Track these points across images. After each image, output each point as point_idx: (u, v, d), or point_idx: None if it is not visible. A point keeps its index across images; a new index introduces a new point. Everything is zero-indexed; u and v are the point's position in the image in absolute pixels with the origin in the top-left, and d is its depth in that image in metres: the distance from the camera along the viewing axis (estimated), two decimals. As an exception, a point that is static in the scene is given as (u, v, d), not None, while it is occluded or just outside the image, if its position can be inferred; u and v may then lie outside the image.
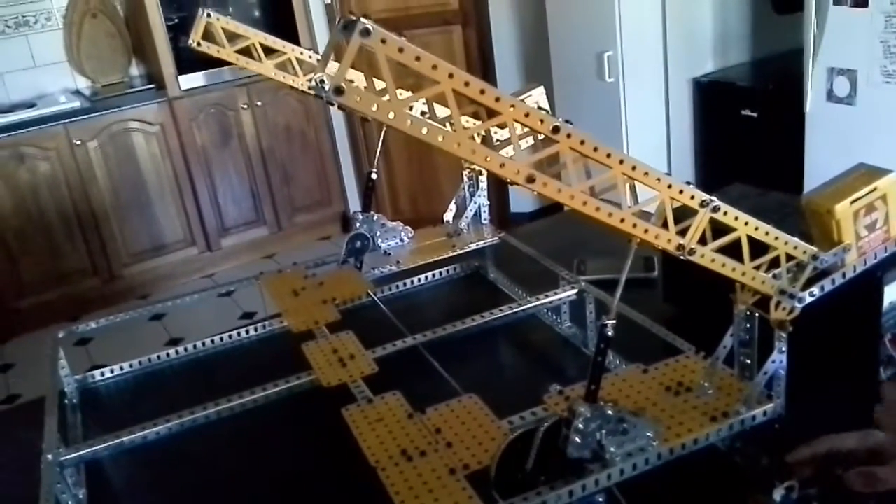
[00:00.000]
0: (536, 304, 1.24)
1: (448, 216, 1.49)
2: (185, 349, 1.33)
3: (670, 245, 0.75)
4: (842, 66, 2.43)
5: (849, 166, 2.53)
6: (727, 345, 0.90)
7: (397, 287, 1.42)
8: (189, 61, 3.86)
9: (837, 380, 1.02)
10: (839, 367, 1.03)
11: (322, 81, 0.59)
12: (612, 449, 0.81)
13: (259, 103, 4.17)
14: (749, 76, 3.24)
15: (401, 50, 0.59)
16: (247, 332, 1.34)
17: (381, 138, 1.36)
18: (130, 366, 1.32)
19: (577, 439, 0.79)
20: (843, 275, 0.84)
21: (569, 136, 0.68)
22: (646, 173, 0.71)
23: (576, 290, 1.23)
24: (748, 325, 0.88)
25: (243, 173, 4.29)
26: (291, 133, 4.36)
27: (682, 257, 0.76)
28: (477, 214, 1.49)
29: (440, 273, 1.48)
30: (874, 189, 0.81)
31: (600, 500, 0.88)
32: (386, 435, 0.90)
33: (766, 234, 0.78)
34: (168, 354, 1.32)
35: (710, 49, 3.31)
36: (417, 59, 0.60)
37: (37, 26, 3.98)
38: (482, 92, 0.63)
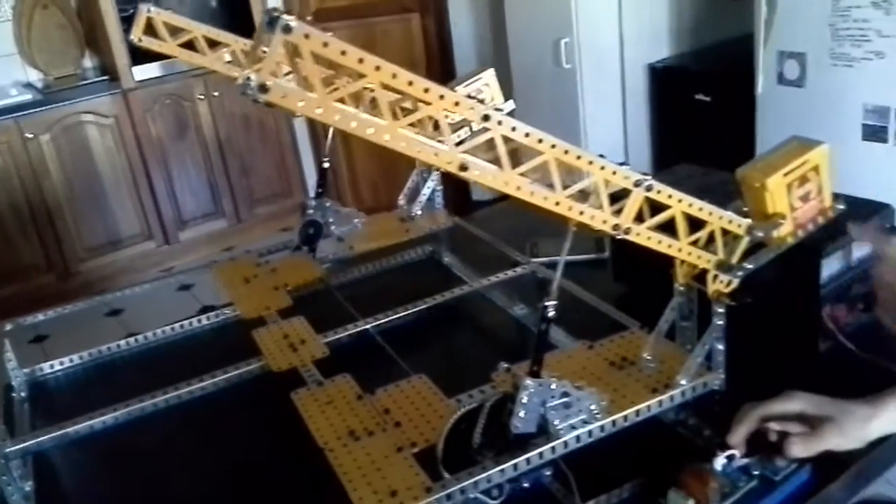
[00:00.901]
0: (485, 284, 1.25)
1: (402, 201, 1.50)
2: (136, 340, 1.31)
3: (606, 225, 0.76)
4: (792, 49, 2.48)
5: None
6: (668, 319, 0.92)
7: (352, 273, 1.42)
8: (143, 52, 3.79)
9: (780, 352, 1.05)
10: (781, 339, 1.06)
11: (248, 79, 0.59)
12: (556, 422, 0.83)
13: (216, 94, 4.12)
14: (703, 61, 3.29)
15: (325, 45, 0.59)
16: (199, 321, 1.33)
17: (332, 127, 1.36)
18: (80, 357, 1.30)
19: (522, 414, 0.81)
20: (779, 246, 0.86)
21: (500, 123, 0.68)
22: (578, 157, 0.73)
23: (525, 271, 1.24)
24: (688, 299, 0.90)
25: (201, 165, 4.24)
26: (250, 123, 4.31)
27: (618, 237, 0.77)
28: (431, 199, 1.49)
29: (395, 258, 1.48)
30: (805, 161, 0.83)
31: (548, 473, 0.90)
32: (335, 417, 0.91)
33: (700, 210, 0.79)
34: (119, 346, 1.31)
35: (666, 35, 3.35)
36: (343, 53, 0.60)
37: (-15, 18, 3.89)
38: (410, 83, 0.63)
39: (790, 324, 1.05)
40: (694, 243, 0.83)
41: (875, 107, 2.34)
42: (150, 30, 1.23)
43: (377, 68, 0.62)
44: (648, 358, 0.92)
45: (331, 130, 1.39)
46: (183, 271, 1.43)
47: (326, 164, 1.39)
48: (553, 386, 0.82)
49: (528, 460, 0.81)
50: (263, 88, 0.58)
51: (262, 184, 4.44)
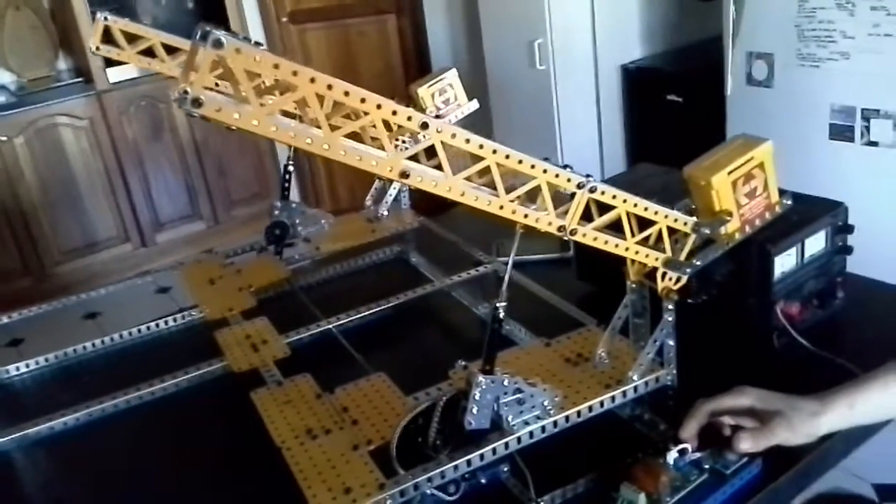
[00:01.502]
0: (447, 283, 1.26)
1: (369, 202, 1.51)
2: (104, 341, 1.31)
3: (551, 227, 0.77)
4: (760, 49, 2.51)
5: None
6: (621, 316, 0.94)
7: (318, 274, 1.43)
8: (117, 54, 3.78)
9: (735, 348, 1.07)
10: (737, 336, 1.08)
11: (185, 93, 0.59)
12: (509, 418, 0.84)
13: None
14: (675, 62, 3.31)
15: (256, 59, 0.60)
16: (166, 322, 1.33)
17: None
18: (46, 360, 1.30)
19: (474, 410, 0.82)
20: (727, 243, 0.88)
21: (439, 130, 0.69)
22: (520, 161, 0.74)
23: (487, 270, 1.25)
24: (640, 297, 0.92)
25: (177, 167, 4.22)
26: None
27: (564, 237, 0.79)
28: (397, 200, 1.50)
29: (362, 259, 1.49)
30: (750, 158, 0.85)
31: (505, 469, 0.91)
32: (293, 416, 0.92)
33: (646, 209, 0.81)
34: (86, 347, 1.31)
35: (638, 37, 3.38)
36: (276, 66, 0.61)
37: (-43, 20, 3.85)
38: (346, 94, 0.64)
39: (745, 320, 1.07)
40: (643, 242, 0.85)
41: (842, 107, 2.38)
42: (108, 38, 1.23)
43: (312, 80, 0.62)
44: (603, 355, 0.94)
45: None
46: (150, 272, 1.42)
47: (291, 167, 1.40)
48: (505, 382, 0.83)
49: (481, 455, 0.82)
50: (197, 102, 0.59)
51: (240, 185, 4.43)
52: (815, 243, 1.08)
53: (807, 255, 1.07)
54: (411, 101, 1.48)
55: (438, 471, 0.80)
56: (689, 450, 0.88)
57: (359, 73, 4.12)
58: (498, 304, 0.81)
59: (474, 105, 1.48)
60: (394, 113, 0.66)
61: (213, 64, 0.60)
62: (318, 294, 1.30)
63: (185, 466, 0.98)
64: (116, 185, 4.07)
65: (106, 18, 1.21)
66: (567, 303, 1.14)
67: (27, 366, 1.29)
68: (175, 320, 1.33)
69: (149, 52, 1.24)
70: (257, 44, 0.77)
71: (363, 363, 1.03)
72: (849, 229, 1.10)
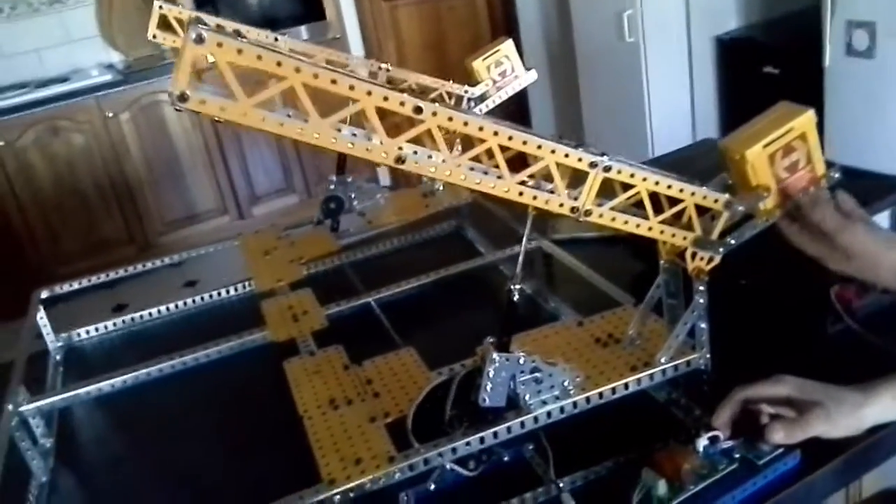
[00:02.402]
0: (493, 258, 1.25)
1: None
2: (168, 308, 1.37)
3: (563, 208, 0.75)
4: (860, 18, 2.34)
5: (869, 120, 2.53)
6: (654, 296, 0.90)
7: (370, 248, 1.43)
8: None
9: (783, 333, 1.01)
10: (787, 320, 1.02)
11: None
12: (526, 397, 0.82)
13: (331, 59, 4.20)
14: (771, 33, 3.13)
15: (239, 52, 0.60)
16: (227, 291, 1.38)
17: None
18: (114, 325, 1.37)
19: (488, 387, 0.81)
20: (767, 220, 0.83)
21: (434, 114, 0.67)
22: (524, 142, 0.71)
23: (531, 247, 1.23)
24: (673, 276, 0.88)
25: (272, 143, 4.34)
26: (318, 100, 4.38)
27: (579, 219, 0.76)
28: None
29: (418, 234, 1.49)
30: (790, 129, 0.79)
31: (530, 447, 0.90)
32: (320, 386, 0.93)
33: (669, 187, 0.77)
34: (150, 314, 1.37)
35: (733, 6, 3.21)
36: (259, 58, 0.61)
37: (70, 2, 4.07)
38: (334, 82, 0.64)
39: (795, 304, 1.01)
40: (674, 221, 0.81)
41: (951, 79, 2.20)
42: (165, 26, 1.27)
43: (297, 70, 0.62)
44: (634, 335, 0.91)
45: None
46: (212, 243, 1.47)
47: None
48: (521, 360, 0.81)
49: (495, 433, 0.81)
50: (182, 98, 0.60)
51: (331, 160, 4.48)
52: (878, 222, 1.00)
53: (869, 236, 1.00)
54: (468, 74, 1.47)
55: (449, 447, 0.79)
56: (721, 437, 0.84)
57: (448, 47, 4.11)
58: (512, 287, 0.79)
59: (532, 76, 1.45)
60: (385, 99, 0.65)
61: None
62: (368, 268, 1.31)
63: (219, 431, 1.02)
64: (216, 161, 4.23)
65: (161, 6, 1.25)
66: (608, 282, 1.11)
67: (96, 329, 1.36)
68: (236, 289, 1.37)
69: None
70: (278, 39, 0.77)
71: (395, 336, 1.04)
72: (918, 209, 1.02)
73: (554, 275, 1.25)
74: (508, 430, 0.82)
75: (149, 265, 1.50)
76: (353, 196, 1.43)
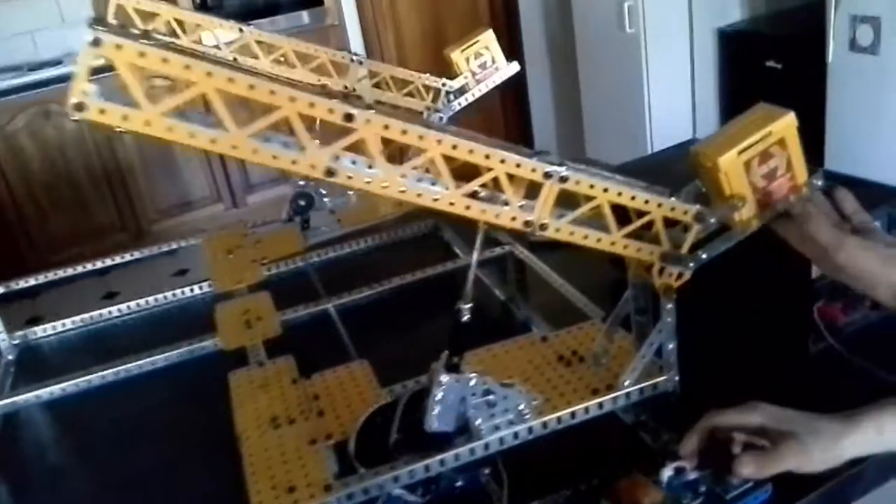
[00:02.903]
0: (464, 262, 1.18)
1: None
2: (128, 307, 1.32)
3: (516, 223, 0.68)
4: (865, 13, 2.26)
5: (871, 118, 2.44)
6: (620, 312, 0.84)
7: (341, 249, 1.37)
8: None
9: (762, 351, 0.95)
10: (768, 338, 0.96)
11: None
12: (477, 421, 0.76)
13: (282, 59, 4.13)
14: (775, 26, 3.05)
15: (142, 54, 0.54)
16: (191, 290, 1.32)
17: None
18: (73, 323, 1.31)
19: (436, 411, 0.75)
20: (743, 232, 0.76)
21: (368, 121, 0.61)
22: (470, 151, 0.64)
23: (503, 251, 1.17)
24: (642, 292, 0.82)
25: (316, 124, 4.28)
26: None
27: (534, 235, 0.69)
28: (431, 171, 1.43)
29: (394, 233, 1.43)
30: (767, 134, 0.72)
31: (486, 472, 0.84)
32: (264, 401, 0.87)
33: (633, 198, 0.70)
34: (110, 312, 1.31)
35: (737, -4, 3.14)
36: (165, 61, 0.55)
37: (65, -17, 4.01)
38: (251, 87, 0.57)
39: (776, 320, 0.95)
40: (643, 232, 0.75)
41: (958, 76, 2.12)
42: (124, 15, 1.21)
43: (208, 74, 0.56)
44: (599, 354, 0.84)
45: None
46: (174, 240, 1.41)
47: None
48: (472, 382, 0.75)
49: (441, 461, 0.75)
50: (79, 107, 0.54)
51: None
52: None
53: (858, 249, 0.93)
54: (448, 66, 1.40)
55: (391, 475, 0.74)
56: (687, 468, 0.78)
57: (447, 37, 4.02)
58: (462, 306, 0.73)
59: (514, 68, 1.39)
60: (311, 105, 0.59)
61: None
62: (334, 270, 1.25)
63: (159, 447, 0.95)
64: (210, 147, 4.17)
65: (118, -3, 1.19)
66: (578, 293, 1.05)
67: (53, 328, 1.31)
68: (200, 288, 1.31)
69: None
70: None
71: (350, 347, 0.98)
72: (911, 221, 0.95)
73: (527, 281, 1.19)
74: (457, 457, 0.76)
75: (136, 255, 1.46)
76: (324, 193, 1.37)
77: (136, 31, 0.63)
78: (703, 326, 0.95)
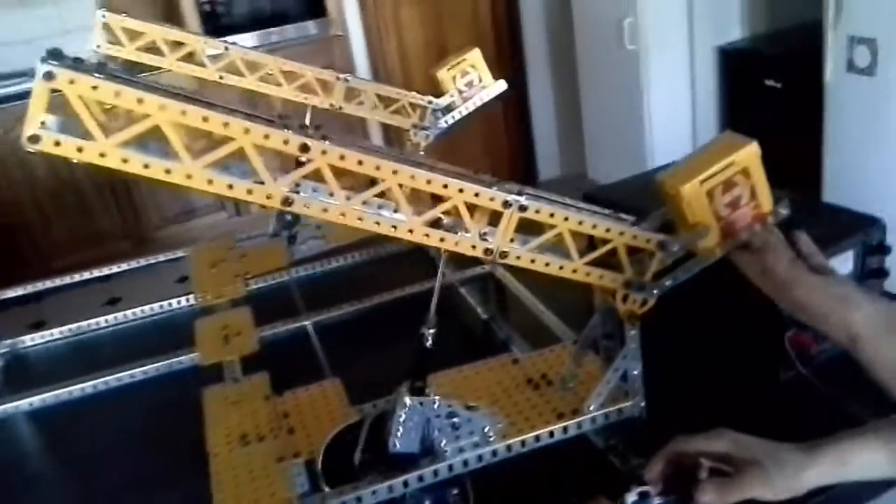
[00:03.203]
0: (448, 280, 1.19)
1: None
2: (116, 317, 1.33)
3: (476, 251, 0.69)
4: (862, 34, 2.26)
5: (869, 138, 2.43)
6: (589, 336, 0.84)
7: (326, 264, 1.37)
8: (215, 27, 3.87)
9: (732, 379, 0.96)
10: (739, 366, 0.96)
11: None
12: (442, 443, 0.77)
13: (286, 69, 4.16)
14: (775, 45, 3.05)
15: (94, 88, 0.55)
16: (178, 302, 1.33)
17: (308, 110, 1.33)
18: (60, 333, 1.33)
19: (399, 432, 0.75)
20: (706, 259, 0.76)
21: (324, 152, 0.62)
22: (428, 181, 0.65)
23: (483, 271, 1.18)
24: (610, 315, 0.82)
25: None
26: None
27: (493, 262, 0.70)
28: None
29: (381, 249, 1.43)
30: (730, 164, 0.73)
31: (454, 492, 0.84)
32: (236, 418, 0.88)
33: (594, 226, 0.71)
34: (97, 322, 1.33)
35: (737, 15, 3.13)
36: (117, 94, 0.56)
37: (68, -8, 4.05)
38: (205, 119, 0.58)
39: (749, 349, 0.95)
40: (609, 258, 0.75)
41: (954, 100, 2.12)
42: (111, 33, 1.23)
43: (161, 107, 0.57)
44: (567, 378, 0.85)
45: (308, 113, 1.36)
46: (164, 252, 1.43)
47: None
48: (436, 405, 0.76)
49: (405, 482, 0.76)
50: (34, 139, 0.55)
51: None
52: (841, 264, 0.94)
53: (831, 277, 0.94)
54: (434, 85, 1.41)
55: (354, 495, 0.74)
56: (651, 493, 0.78)
57: (449, 48, 4.04)
58: (426, 331, 0.74)
59: (501, 86, 1.40)
60: (266, 137, 0.60)
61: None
62: (317, 286, 1.26)
63: (132, 460, 0.96)
64: (213, 156, 4.19)
65: (104, 15, 1.20)
66: (552, 314, 1.05)
67: (42, 336, 1.32)
68: (187, 300, 1.32)
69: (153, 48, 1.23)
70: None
71: (325, 365, 0.98)
72: (885, 250, 0.95)
73: (507, 301, 1.20)
74: (420, 478, 0.76)
75: (138, 262, 1.49)
76: (310, 207, 1.38)
77: (92, 64, 0.64)
78: (674, 353, 0.96)
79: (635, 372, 0.80)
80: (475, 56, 1.34)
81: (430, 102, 1.36)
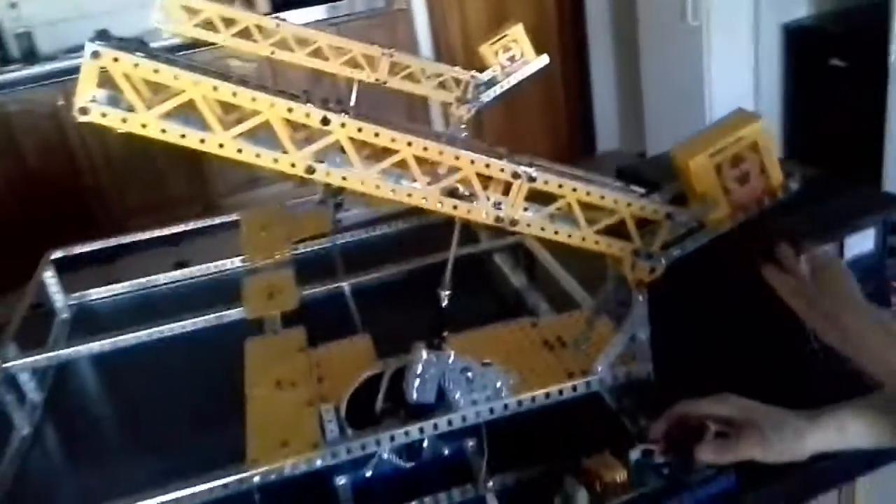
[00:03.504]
0: (485, 247, 1.25)
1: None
2: (174, 276, 1.43)
3: (488, 219, 0.74)
4: (930, 12, 2.21)
5: None
6: (602, 302, 0.89)
7: (369, 231, 1.44)
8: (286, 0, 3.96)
9: (748, 350, 0.98)
10: (755, 337, 0.99)
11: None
12: (456, 396, 0.83)
13: (334, 45, 4.24)
14: (842, 23, 2.97)
15: (136, 66, 0.62)
16: (232, 262, 1.42)
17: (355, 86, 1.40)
18: (123, 287, 1.43)
19: (416, 383, 0.81)
20: (715, 230, 0.80)
21: (343, 125, 0.67)
22: (440, 152, 0.70)
23: (511, 241, 1.23)
24: (622, 282, 0.86)
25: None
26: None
27: (507, 229, 0.75)
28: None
29: (421, 218, 1.49)
30: (738, 139, 0.76)
31: (471, 442, 0.90)
32: (272, 366, 0.95)
33: (602, 197, 0.75)
34: (159, 280, 1.43)
35: (806, -10, 3.07)
36: (156, 72, 0.63)
37: (148, -35, 4.19)
38: (234, 94, 0.64)
39: (764, 321, 0.98)
40: (622, 231, 0.79)
41: None
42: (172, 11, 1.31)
43: (195, 83, 0.63)
44: (581, 340, 0.90)
45: (355, 88, 1.43)
46: (223, 216, 1.51)
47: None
48: (450, 360, 0.82)
49: (421, 429, 0.82)
50: (83, 111, 0.63)
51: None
52: (860, 242, 0.95)
53: (849, 254, 0.95)
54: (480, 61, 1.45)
55: (373, 438, 0.81)
56: (655, 452, 0.82)
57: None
58: (441, 292, 0.80)
59: (543, 60, 1.43)
60: (289, 110, 0.66)
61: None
62: (357, 251, 1.33)
63: (184, 401, 1.06)
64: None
65: (167, -6, 1.28)
66: (575, 282, 1.10)
67: (107, 291, 1.43)
68: (242, 261, 1.40)
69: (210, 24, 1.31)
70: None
71: (357, 322, 1.05)
72: (907, 229, 0.96)
73: (537, 270, 1.24)
74: (435, 426, 0.82)
75: (204, 223, 1.58)
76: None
77: (135, 42, 0.71)
78: (691, 323, 0.99)
79: (643, 336, 0.84)
80: (518, 31, 1.38)
81: (472, 77, 1.40)
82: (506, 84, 1.41)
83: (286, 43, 1.35)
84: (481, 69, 1.43)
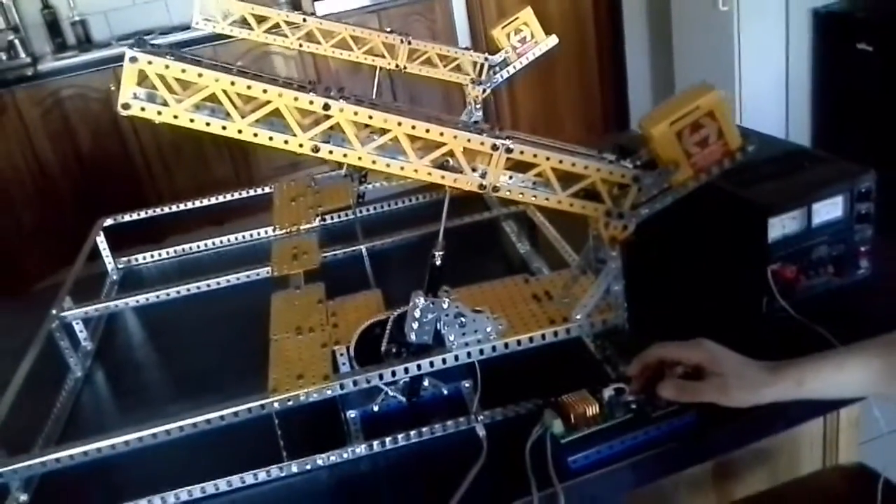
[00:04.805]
0: (494, 214, 1.36)
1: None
2: (213, 242, 1.56)
3: (472, 186, 0.85)
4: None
5: None
6: (584, 259, 0.99)
7: (390, 203, 1.56)
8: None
9: (718, 306, 1.07)
10: (721, 293, 1.08)
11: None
12: (450, 338, 0.94)
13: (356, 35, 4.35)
14: (870, 8, 2.98)
15: (167, 67, 0.74)
16: (265, 231, 1.55)
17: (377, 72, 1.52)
18: (167, 253, 1.57)
19: (414, 326, 0.93)
20: (680, 190, 0.89)
21: (342, 110, 0.79)
22: (427, 130, 0.81)
23: (512, 210, 1.33)
24: (602, 241, 0.96)
25: (372, 97, 4.51)
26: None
27: (488, 195, 0.86)
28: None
29: (440, 192, 1.59)
30: (696, 108, 0.85)
31: (467, 383, 1.02)
32: (294, 315, 1.08)
33: (573, 165, 0.85)
34: (199, 246, 1.57)
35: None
36: (183, 71, 0.75)
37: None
38: (248, 87, 0.77)
39: (735, 279, 1.07)
40: (587, 195, 0.89)
41: None
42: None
43: (216, 80, 0.76)
44: (564, 293, 1.00)
45: (377, 74, 1.55)
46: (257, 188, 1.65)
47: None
48: (445, 305, 0.93)
49: (418, 366, 0.93)
50: (125, 107, 0.76)
51: (435, 103, 4.63)
52: (829, 209, 1.04)
53: (817, 220, 1.04)
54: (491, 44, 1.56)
55: (376, 373, 0.93)
56: (626, 390, 0.93)
57: (547, 13, 4.13)
58: (435, 252, 0.91)
59: (552, 41, 1.52)
60: (295, 99, 0.78)
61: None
62: (377, 220, 1.45)
63: (220, 345, 1.21)
64: (319, 111, 4.45)
65: (202, -5, 1.42)
66: (569, 247, 1.21)
67: (152, 256, 1.57)
68: (266, 232, 1.54)
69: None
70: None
71: (371, 279, 1.17)
72: (872, 197, 1.05)
73: (540, 237, 1.35)
74: (431, 364, 0.94)
75: (244, 194, 1.73)
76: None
77: (166, 48, 0.84)
78: (664, 280, 1.09)
79: (617, 288, 0.94)
80: (527, 14, 1.48)
81: (486, 59, 1.51)
82: (518, 65, 1.52)
83: (313, 36, 1.47)
84: (494, 52, 1.53)
